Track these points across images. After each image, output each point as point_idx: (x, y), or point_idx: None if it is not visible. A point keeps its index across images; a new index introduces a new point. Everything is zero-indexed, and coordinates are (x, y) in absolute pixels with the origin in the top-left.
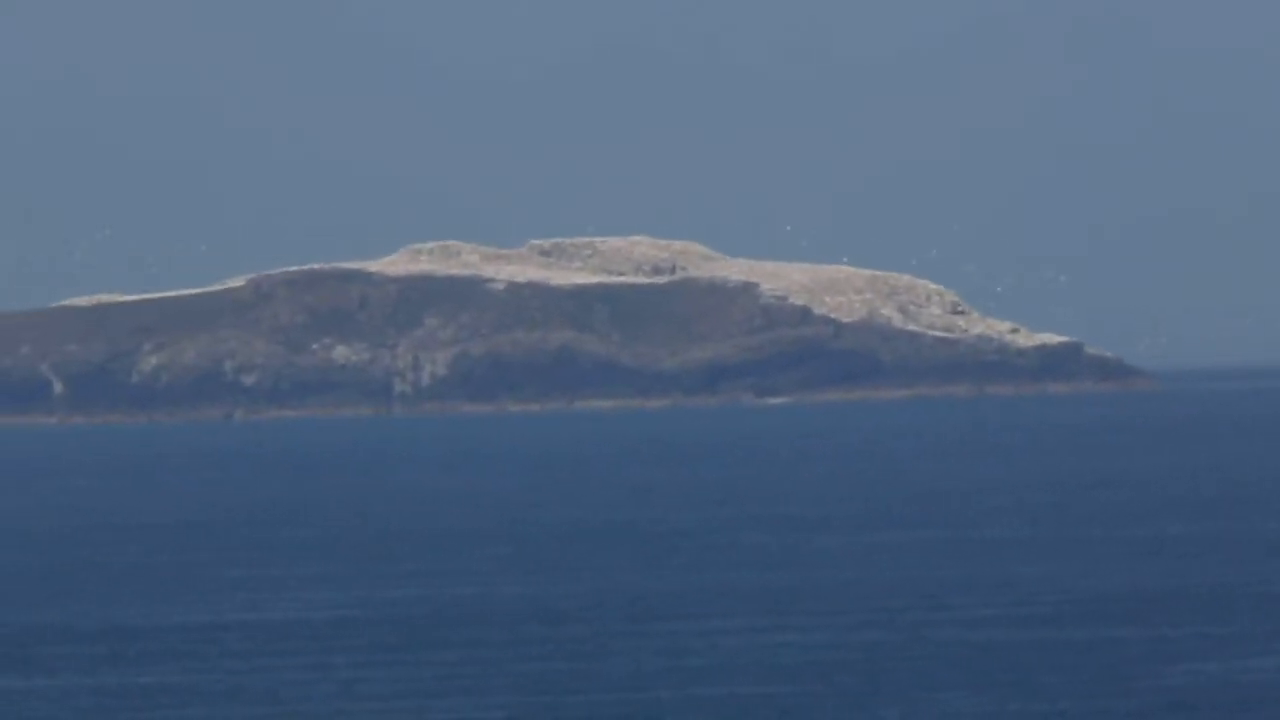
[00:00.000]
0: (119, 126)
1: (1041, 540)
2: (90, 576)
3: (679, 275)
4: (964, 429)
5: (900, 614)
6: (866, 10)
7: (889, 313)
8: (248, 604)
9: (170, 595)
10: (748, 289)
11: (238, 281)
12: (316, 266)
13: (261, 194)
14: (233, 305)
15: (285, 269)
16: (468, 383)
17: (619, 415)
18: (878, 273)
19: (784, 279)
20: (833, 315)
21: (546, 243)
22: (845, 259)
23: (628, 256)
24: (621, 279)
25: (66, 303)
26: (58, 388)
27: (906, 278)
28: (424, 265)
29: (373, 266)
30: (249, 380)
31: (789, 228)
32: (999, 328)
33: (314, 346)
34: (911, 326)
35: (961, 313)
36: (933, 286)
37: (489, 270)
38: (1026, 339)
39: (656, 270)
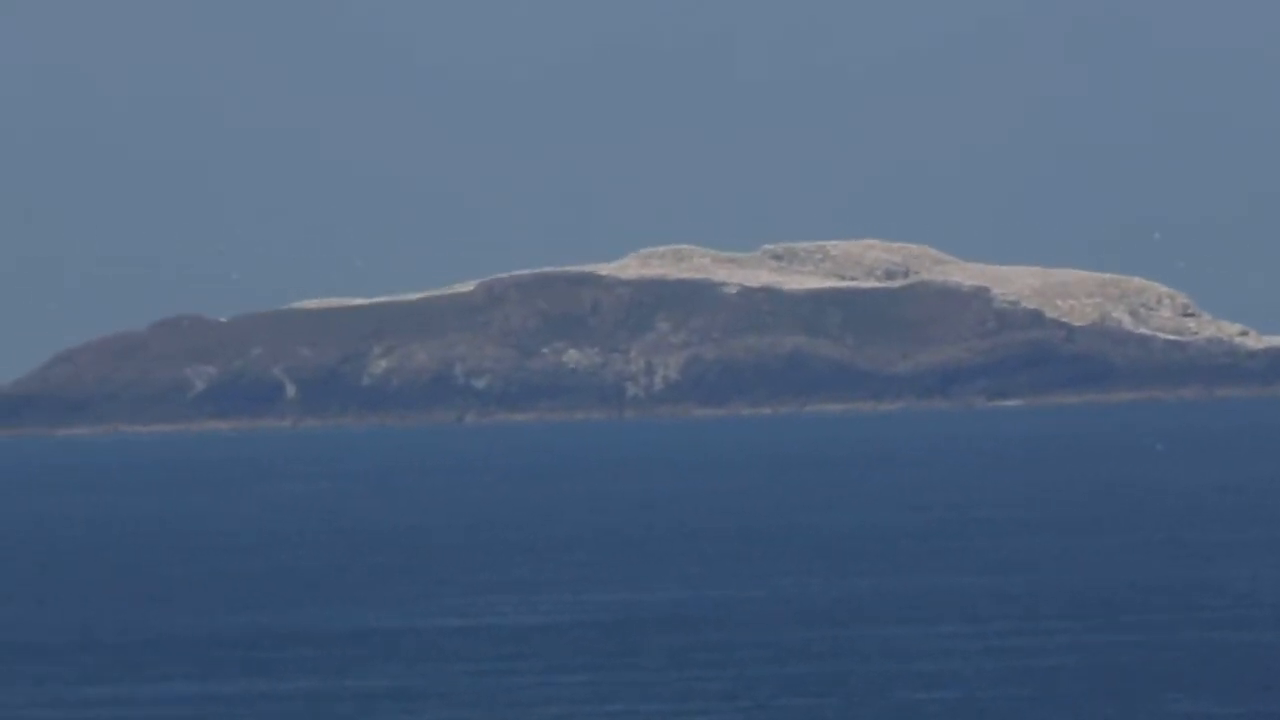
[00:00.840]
0: (119, 126)
1: None
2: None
3: (912, 279)
4: (1216, 431)
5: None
6: (866, 10)
7: (1120, 316)
8: (522, 605)
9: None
10: (980, 293)
11: (467, 285)
12: (547, 270)
13: (261, 194)
14: (462, 309)
15: (515, 272)
16: (699, 386)
17: (852, 419)
18: (1108, 276)
19: (1015, 283)
20: (1064, 319)
21: (778, 246)
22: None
23: (859, 260)
24: (854, 283)
25: (295, 305)
26: (290, 391)
27: (1138, 280)
28: (655, 269)
29: (604, 270)
30: (480, 383)
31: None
32: (1229, 330)
33: (545, 350)
34: (1143, 330)
35: (1192, 315)
36: (1164, 289)
37: (720, 274)
38: (1256, 341)
39: (888, 274)
